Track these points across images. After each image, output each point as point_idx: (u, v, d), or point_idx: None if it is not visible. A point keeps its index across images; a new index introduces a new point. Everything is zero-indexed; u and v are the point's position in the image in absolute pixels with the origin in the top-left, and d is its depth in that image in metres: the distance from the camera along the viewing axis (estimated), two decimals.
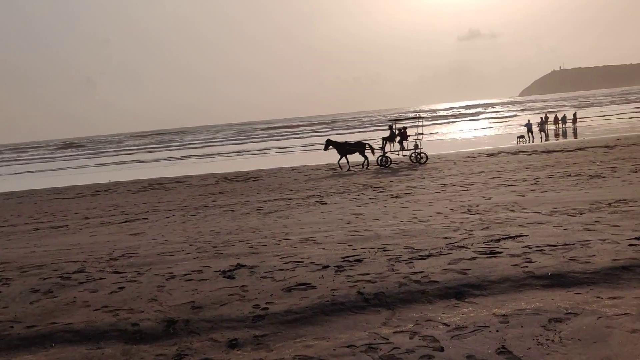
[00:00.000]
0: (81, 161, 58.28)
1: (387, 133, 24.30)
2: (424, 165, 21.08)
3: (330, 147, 22.91)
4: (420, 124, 23.93)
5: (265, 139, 72.31)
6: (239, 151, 49.93)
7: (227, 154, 47.84)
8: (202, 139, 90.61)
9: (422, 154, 22.41)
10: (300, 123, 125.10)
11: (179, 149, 65.50)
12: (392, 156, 23.28)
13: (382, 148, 22.83)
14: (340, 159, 22.77)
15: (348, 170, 22.03)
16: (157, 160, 48.04)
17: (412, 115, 30.41)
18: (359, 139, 29.16)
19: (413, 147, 22.85)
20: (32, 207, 18.96)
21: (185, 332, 4.62)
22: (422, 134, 23.48)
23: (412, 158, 22.65)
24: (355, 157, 23.45)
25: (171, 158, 49.05)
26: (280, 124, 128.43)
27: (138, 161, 49.10)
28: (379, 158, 22.63)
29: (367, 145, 22.96)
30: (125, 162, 48.55)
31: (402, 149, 23.33)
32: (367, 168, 22.37)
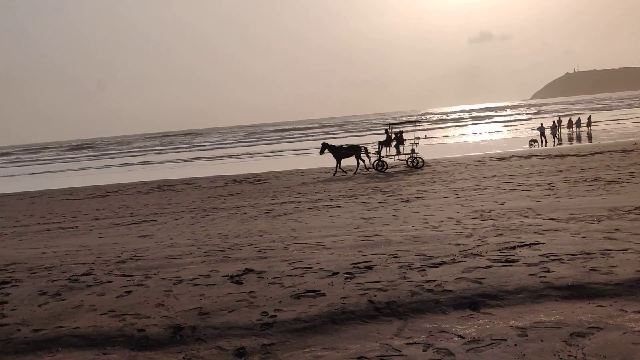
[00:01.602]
0: (92, 162, 58.74)
1: (383, 137, 24.25)
2: (435, 169, 20.86)
3: (326, 150, 22.81)
4: (417, 128, 23.83)
5: (274, 141, 72.35)
6: (248, 153, 49.98)
7: (236, 156, 47.91)
8: (211, 141, 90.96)
9: (418, 159, 22.29)
10: (309, 125, 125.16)
11: (188, 151, 65.76)
12: (389, 160, 23.14)
13: (378, 152, 22.73)
14: (337, 163, 22.64)
15: (342, 174, 21.92)
16: (167, 162, 48.22)
17: (410, 119, 30.22)
18: (368, 142, 28.98)
19: (410, 152, 22.73)
20: (44, 208, 19.06)
21: (192, 339, 4.51)
22: (419, 138, 23.36)
23: (408, 162, 22.54)
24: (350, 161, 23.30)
25: (181, 160, 49.22)
26: (289, 126, 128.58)
27: (148, 162, 49.35)
28: (375, 162, 22.53)
29: (362, 149, 22.86)
30: (135, 164, 48.81)
31: (399, 153, 23.23)
32: (359, 171, 22.26)
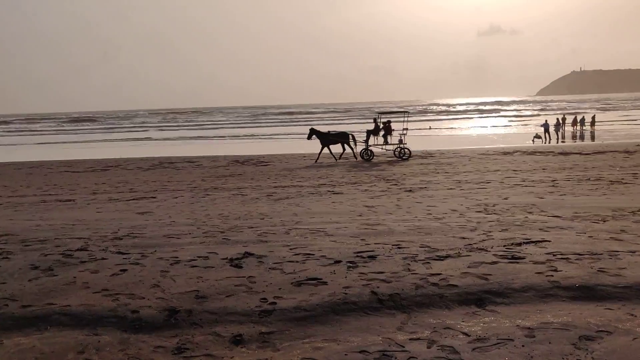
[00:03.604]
0: (93, 135, 58.42)
1: (372, 126, 24.11)
2: (438, 160, 20.68)
3: (314, 136, 22.62)
4: (405, 119, 23.62)
5: (277, 123, 71.99)
6: (251, 134, 49.72)
7: (239, 136, 47.66)
8: (215, 120, 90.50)
9: (405, 149, 22.17)
10: (314, 110, 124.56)
11: (191, 129, 65.43)
12: (375, 150, 23.02)
13: (366, 141, 22.60)
14: (322, 150, 22.44)
15: (337, 160, 21.76)
16: (169, 139, 47.94)
17: (400, 109, 30.01)
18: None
19: (397, 142, 22.59)
20: (42, 179, 18.89)
21: (187, 324, 4.35)
22: (407, 129, 23.25)
23: (395, 153, 22.39)
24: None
25: (183, 137, 48.95)
26: (294, 110, 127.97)
27: (150, 138, 49.06)
28: (362, 151, 22.40)
29: (350, 137, 22.71)
30: (137, 139, 48.53)
31: (386, 143, 23.11)
32: (357, 159, 22.11)
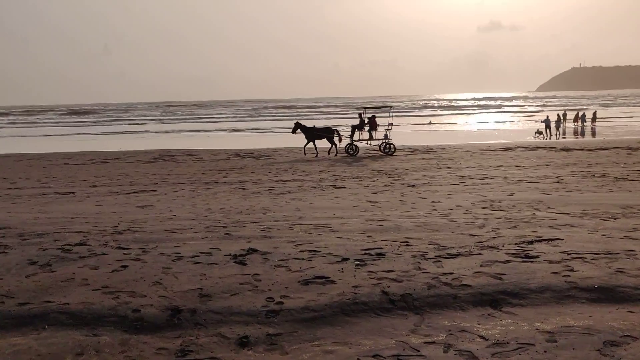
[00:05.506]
0: (93, 128, 58.05)
1: (357, 121, 23.99)
2: (440, 155, 20.48)
3: (298, 130, 22.43)
4: (390, 114, 23.53)
5: (278, 117, 71.65)
6: (252, 128, 49.45)
7: (240, 130, 47.39)
8: (215, 114, 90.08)
9: (390, 145, 22.07)
10: (315, 104, 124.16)
11: (192, 122, 65.09)
12: (360, 145, 22.88)
13: (351, 136, 22.48)
14: (306, 144, 22.24)
15: (316, 156, 21.55)
16: (169, 132, 47.64)
17: (383, 105, 29.97)
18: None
19: (382, 137, 22.50)
20: (41, 171, 18.70)
21: (190, 324, 4.15)
22: (392, 124, 23.17)
23: (380, 148, 22.30)
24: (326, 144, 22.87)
25: (183, 130, 48.65)
26: (294, 104, 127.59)
27: (150, 131, 48.76)
28: (347, 146, 22.27)
29: (335, 132, 22.58)
30: (137, 132, 48.23)
31: (371, 138, 23.00)
32: (335, 155, 21.93)
